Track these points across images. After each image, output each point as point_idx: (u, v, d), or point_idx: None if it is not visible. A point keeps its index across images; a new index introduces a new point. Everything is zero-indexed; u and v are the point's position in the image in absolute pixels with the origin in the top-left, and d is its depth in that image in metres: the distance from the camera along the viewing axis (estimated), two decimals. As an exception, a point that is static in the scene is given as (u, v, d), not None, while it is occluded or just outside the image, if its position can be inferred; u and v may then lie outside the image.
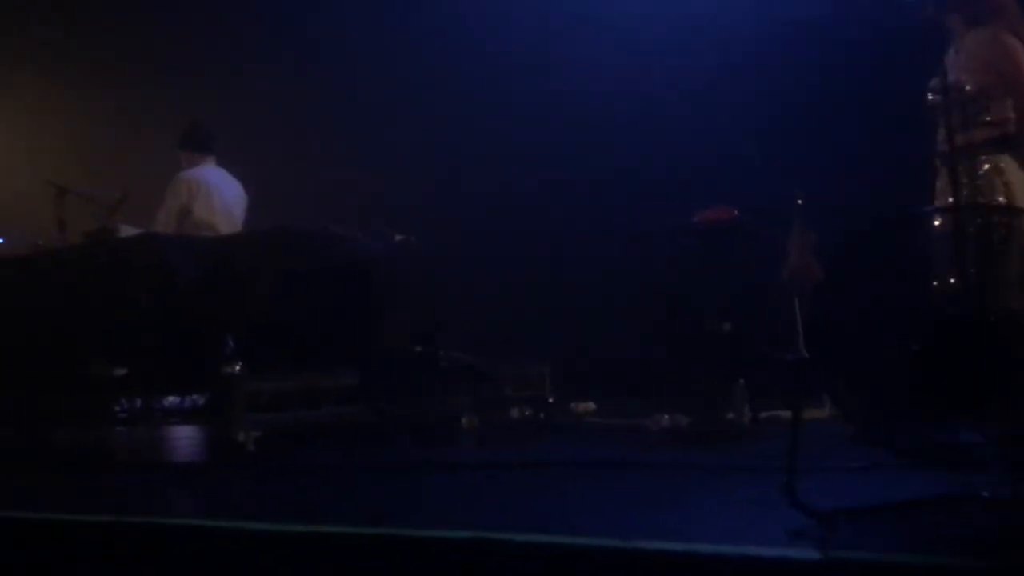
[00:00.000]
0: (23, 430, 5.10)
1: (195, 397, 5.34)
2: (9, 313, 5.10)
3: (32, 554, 2.62)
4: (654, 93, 5.49)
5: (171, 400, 5.71)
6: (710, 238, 4.08)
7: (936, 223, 2.45)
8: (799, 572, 1.74)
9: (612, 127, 5.77)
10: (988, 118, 3.34)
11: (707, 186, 4.89)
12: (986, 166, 3.35)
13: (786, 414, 3.41)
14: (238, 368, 4.60)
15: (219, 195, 5.54)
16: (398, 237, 5.35)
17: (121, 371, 5.10)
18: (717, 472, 2.94)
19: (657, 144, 5.53)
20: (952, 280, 2.26)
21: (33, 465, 4.47)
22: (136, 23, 7.05)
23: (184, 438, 5.47)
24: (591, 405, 5.22)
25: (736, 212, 4.14)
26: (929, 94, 3.41)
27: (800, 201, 3.79)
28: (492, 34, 6.14)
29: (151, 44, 7.06)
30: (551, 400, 5.34)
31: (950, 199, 2.86)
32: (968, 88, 3.27)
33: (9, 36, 7.24)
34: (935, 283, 2.32)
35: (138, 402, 5.73)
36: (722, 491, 2.64)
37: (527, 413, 5.18)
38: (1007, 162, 3.40)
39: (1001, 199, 3.29)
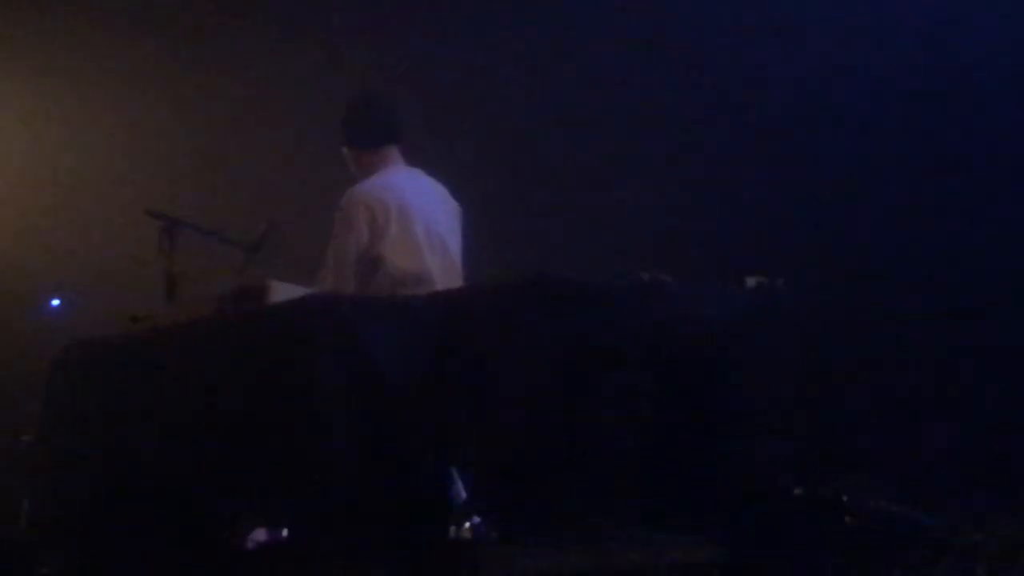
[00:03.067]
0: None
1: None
2: (89, 435, 3.03)
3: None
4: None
5: None
6: None
7: None
8: None
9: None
10: None
11: None
12: None
13: None
14: (475, 527, 2.64)
15: (421, 217, 3.34)
16: (751, 280, 3.15)
17: (288, 533, 3.03)
18: None
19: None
20: None
21: None
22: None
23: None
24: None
25: None
26: None
27: None
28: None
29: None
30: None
31: None
32: None
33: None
34: None
35: None
36: None
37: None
38: None
39: None
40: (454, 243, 3.39)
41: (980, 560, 2.78)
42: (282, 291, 2.98)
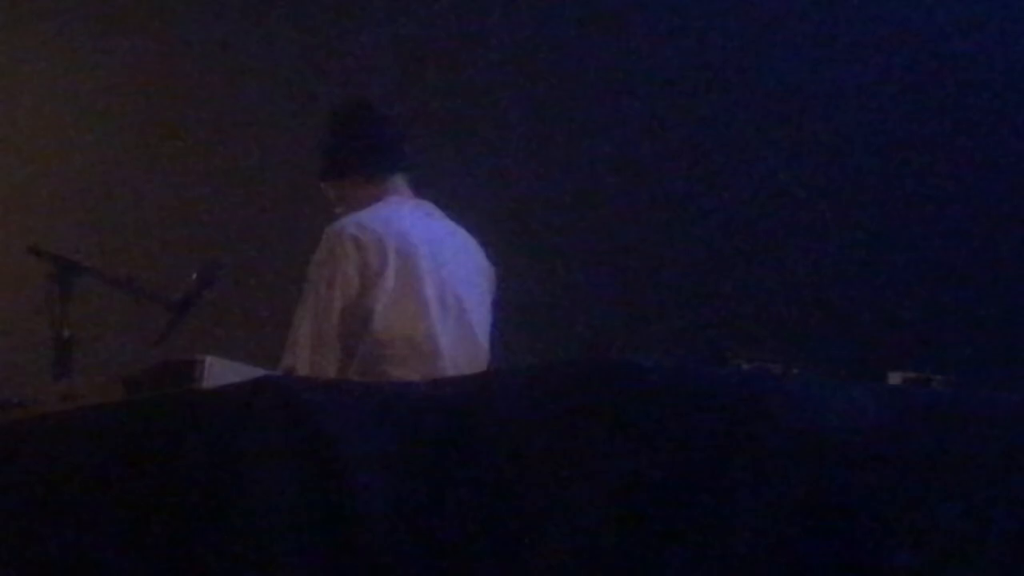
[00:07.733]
0: None
1: None
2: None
3: None
4: None
5: None
6: None
7: None
8: None
9: None
10: None
11: None
12: None
13: None
14: None
15: (432, 264, 2.45)
16: (894, 376, 2.29)
17: None
18: None
19: None
20: None
21: None
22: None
23: None
24: None
25: None
26: None
27: None
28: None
29: None
30: None
31: None
32: None
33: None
34: None
35: None
36: None
37: None
38: None
39: None
40: (478, 311, 2.50)
41: None
42: (220, 371, 2.07)
